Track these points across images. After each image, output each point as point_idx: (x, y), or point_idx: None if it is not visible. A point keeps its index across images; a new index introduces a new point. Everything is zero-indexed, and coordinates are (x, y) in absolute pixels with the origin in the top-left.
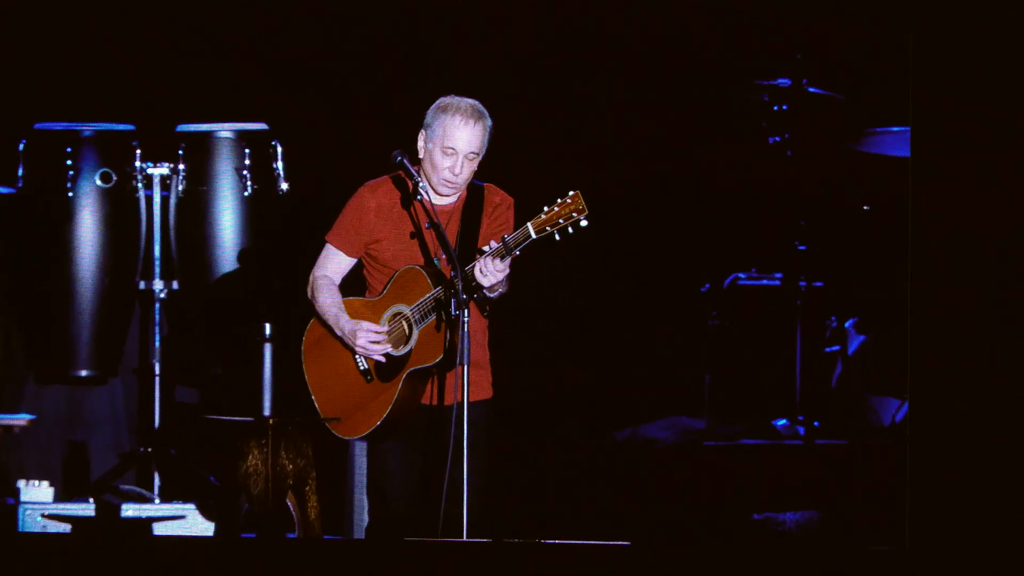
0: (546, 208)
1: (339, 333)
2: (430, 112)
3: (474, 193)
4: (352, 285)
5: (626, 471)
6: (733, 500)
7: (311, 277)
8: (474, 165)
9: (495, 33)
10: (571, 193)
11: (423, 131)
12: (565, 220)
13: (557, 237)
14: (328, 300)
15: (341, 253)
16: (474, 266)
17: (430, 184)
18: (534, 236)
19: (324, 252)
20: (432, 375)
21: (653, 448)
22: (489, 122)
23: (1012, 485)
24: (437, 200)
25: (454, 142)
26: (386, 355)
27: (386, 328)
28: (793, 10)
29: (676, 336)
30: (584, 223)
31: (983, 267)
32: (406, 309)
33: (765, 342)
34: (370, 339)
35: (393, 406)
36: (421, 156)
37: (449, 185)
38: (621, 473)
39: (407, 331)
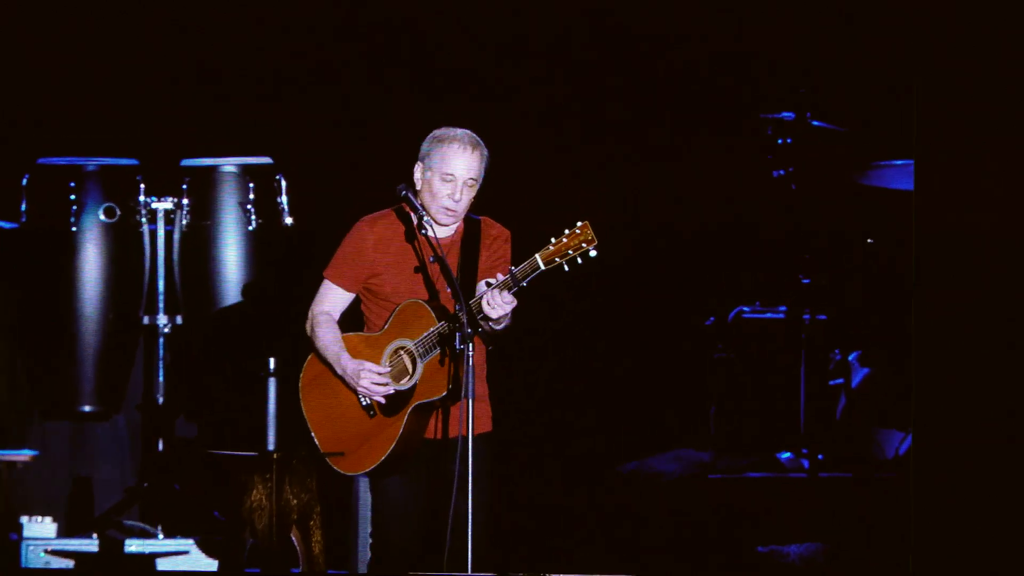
0: (554, 239)
1: (340, 372)
2: (425, 143)
3: (471, 226)
4: (349, 321)
5: (632, 504)
6: (738, 533)
7: (309, 313)
8: (472, 193)
9: (500, 65)
10: (579, 223)
11: (419, 163)
12: (574, 250)
13: (566, 268)
14: (329, 337)
15: (339, 288)
16: (480, 298)
17: (429, 214)
18: (543, 267)
19: (322, 288)
20: (436, 409)
21: (659, 481)
22: (486, 151)
23: (1016, 518)
24: (439, 231)
25: (453, 168)
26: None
27: (388, 368)
28: (797, 44)
29: (681, 369)
30: (593, 253)
31: (987, 300)
32: (409, 343)
33: (769, 375)
34: (373, 380)
35: (398, 441)
36: (419, 187)
37: (449, 213)
38: (627, 506)
39: (410, 366)
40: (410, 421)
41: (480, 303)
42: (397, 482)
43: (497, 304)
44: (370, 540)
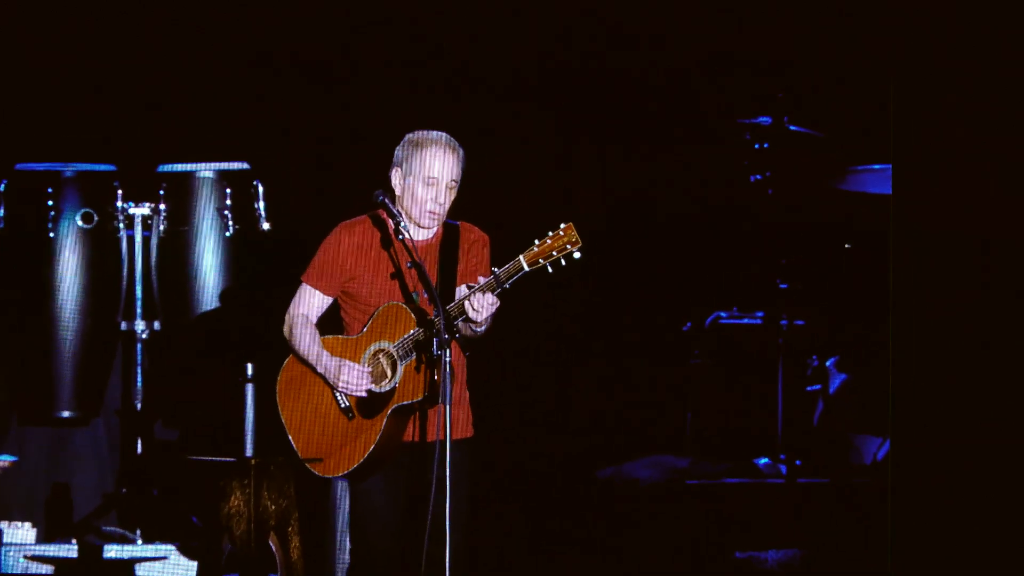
0: (537, 241)
1: (320, 370)
2: (401, 148)
3: (450, 231)
4: (327, 328)
5: (609, 510)
6: (716, 539)
7: (287, 316)
8: (453, 195)
9: (479, 67)
10: (563, 225)
11: (397, 168)
12: (559, 252)
13: (550, 269)
14: (308, 338)
15: (318, 292)
16: (461, 302)
17: (411, 219)
18: (527, 268)
19: (300, 291)
20: (415, 412)
21: (636, 487)
22: (462, 152)
23: (994, 523)
24: (417, 235)
25: (435, 171)
26: (369, 392)
27: (368, 368)
28: (774, 48)
29: (658, 375)
30: (577, 255)
31: (965, 306)
32: (389, 346)
33: (747, 381)
34: (355, 376)
35: (377, 443)
36: (399, 192)
37: (432, 216)
38: (604, 512)
39: (389, 369)
40: (389, 424)
41: (461, 306)
42: (376, 487)
43: (481, 306)
44: (348, 546)
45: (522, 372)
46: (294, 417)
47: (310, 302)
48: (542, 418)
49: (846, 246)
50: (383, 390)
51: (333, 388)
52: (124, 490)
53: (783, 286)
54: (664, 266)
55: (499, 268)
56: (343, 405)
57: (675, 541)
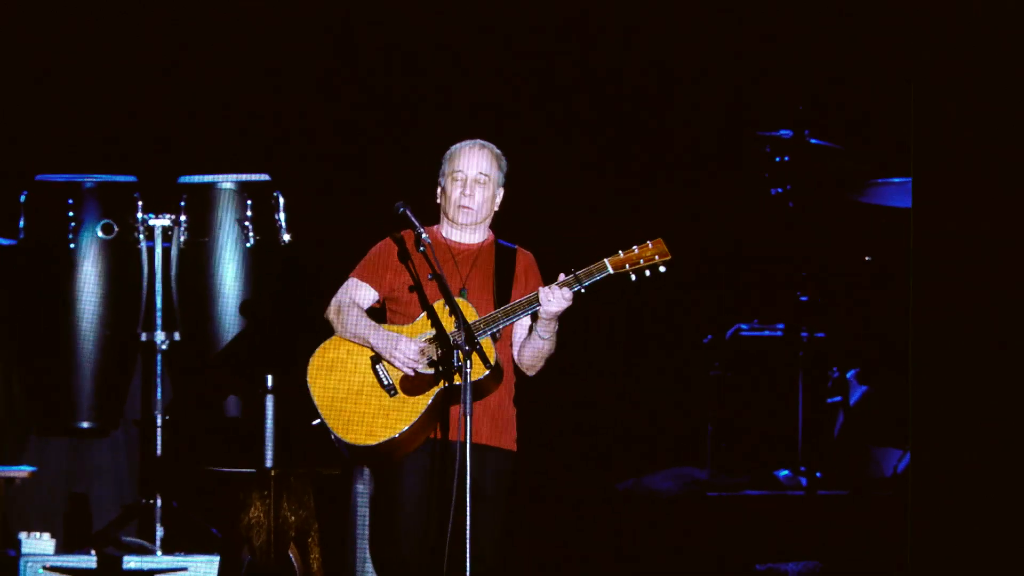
0: (623, 249)
1: (375, 342)
2: (442, 161)
3: (506, 255)
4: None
5: (629, 521)
6: (736, 550)
7: (333, 300)
8: (486, 192)
9: (498, 81)
10: (652, 240)
11: (439, 181)
12: (646, 262)
13: (633, 277)
14: (358, 313)
15: (367, 285)
16: (533, 295)
17: (450, 220)
18: (611, 271)
19: (347, 283)
20: (457, 398)
21: (656, 499)
22: (497, 151)
23: (1015, 536)
24: (458, 236)
25: (461, 165)
26: (416, 372)
27: (425, 344)
28: (796, 62)
29: (679, 387)
30: (663, 269)
31: (985, 317)
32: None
33: (767, 393)
34: (410, 349)
35: (419, 419)
36: (439, 200)
37: (464, 211)
38: (624, 523)
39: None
40: (436, 401)
41: (539, 297)
42: (401, 494)
43: (555, 297)
44: (369, 557)
45: (543, 383)
46: (326, 394)
47: (356, 293)
48: (563, 429)
49: (866, 259)
50: (432, 372)
51: (375, 364)
52: (144, 500)
53: (803, 298)
54: (685, 279)
55: (579, 269)
56: (386, 382)
57: (695, 553)
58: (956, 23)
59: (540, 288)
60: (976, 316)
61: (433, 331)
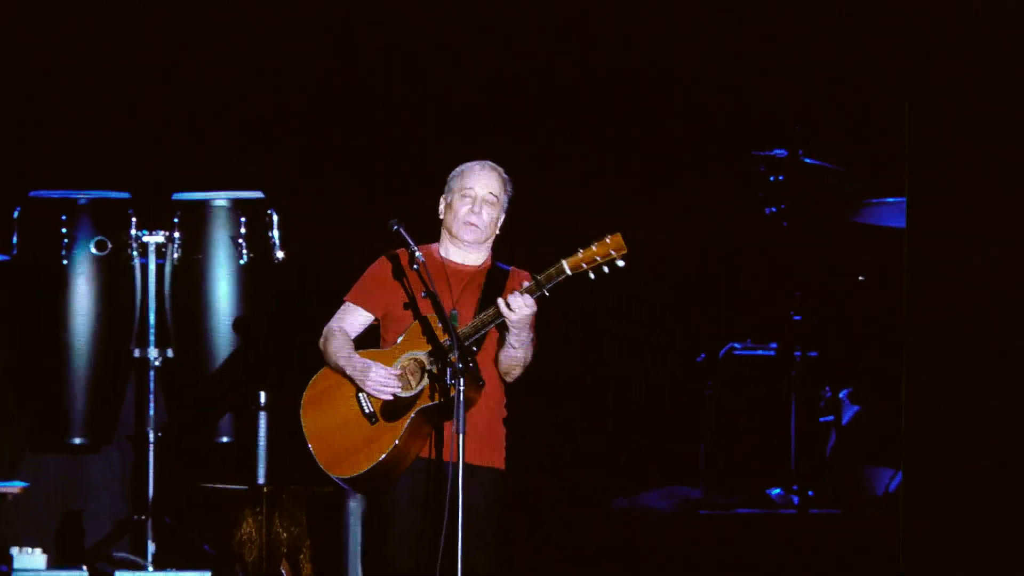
0: (581, 248)
1: (350, 372)
2: (448, 179)
3: (499, 274)
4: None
5: (623, 540)
6: (729, 569)
7: (325, 329)
8: (493, 213)
9: (494, 99)
10: (610, 235)
11: (443, 198)
12: (603, 258)
13: (592, 276)
14: (340, 343)
15: (360, 309)
16: (494, 307)
17: (453, 238)
18: (568, 273)
19: (341, 309)
20: (439, 418)
21: (650, 517)
22: (505, 176)
23: (1009, 556)
24: (457, 256)
25: (471, 183)
26: (395, 396)
27: (398, 371)
28: (790, 81)
29: (672, 405)
30: (621, 263)
31: (977, 339)
32: (421, 355)
33: (760, 412)
34: (382, 376)
35: (398, 442)
36: (442, 216)
37: (470, 228)
38: (618, 542)
39: (418, 375)
40: (413, 423)
41: (495, 312)
42: (396, 510)
43: (516, 305)
44: (361, 574)
45: (536, 403)
46: (315, 426)
47: (349, 319)
48: (557, 448)
49: (860, 278)
50: (409, 395)
51: (358, 392)
52: (137, 517)
53: (797, 318)
54: (678, 297)
55: (540, 273)
56: (367, 411)
57: (689, 571)
58: (953, 42)
59: (499, 299)
60: (970, 336)
61: (411, 353)
